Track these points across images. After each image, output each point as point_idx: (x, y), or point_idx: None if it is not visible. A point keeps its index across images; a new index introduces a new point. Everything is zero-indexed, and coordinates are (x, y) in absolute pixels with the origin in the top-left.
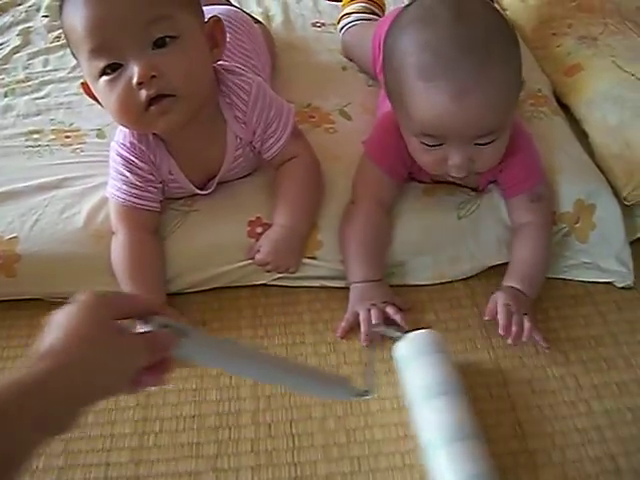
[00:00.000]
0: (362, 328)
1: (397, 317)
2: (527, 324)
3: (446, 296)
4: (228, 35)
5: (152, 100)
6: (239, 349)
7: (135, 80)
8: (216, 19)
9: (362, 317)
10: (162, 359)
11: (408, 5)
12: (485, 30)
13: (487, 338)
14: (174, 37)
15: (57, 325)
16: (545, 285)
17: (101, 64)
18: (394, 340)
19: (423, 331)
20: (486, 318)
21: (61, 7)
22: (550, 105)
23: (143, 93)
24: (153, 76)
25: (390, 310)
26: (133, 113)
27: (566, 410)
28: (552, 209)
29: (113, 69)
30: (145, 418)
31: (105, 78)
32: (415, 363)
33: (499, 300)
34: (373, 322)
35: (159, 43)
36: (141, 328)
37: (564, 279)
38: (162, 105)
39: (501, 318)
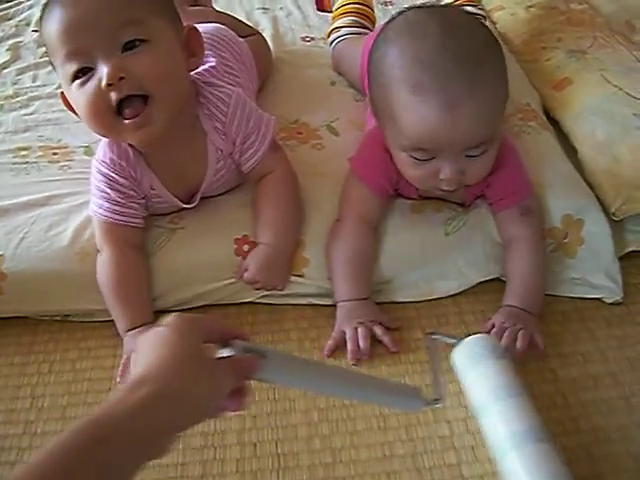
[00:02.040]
0: (349, 347)
1: (385, 338)
2: (520, 342)
3: (434, 313)
4: (211, 53)
5: (124, 103)
6: (317, 368)
7: (104, 82)
8: (191, 27)
9: (349, 335)
10: (242, 384)
11: (391, 20)
12: (474, 43)
13: None
14: (144, 41)
15: (149, 349)
16: None
17: (73, 68)
18: (452, 346)
19: (479, 336)
20: None
21: (41, 18)
22: (539, 119)
23: (113, 95)
24: (122, 78)
25: (378, 330)
26: (105, 117)
27: (554, 428)
28: (542, 222)
29: (84, 73)
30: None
31: (76, 82)
32: (477, 369)
33: (495, 320)
34: (360, 341)
35: (129, 46)
36: (223, 353)
37: (552, 295)
38: (136, 121)
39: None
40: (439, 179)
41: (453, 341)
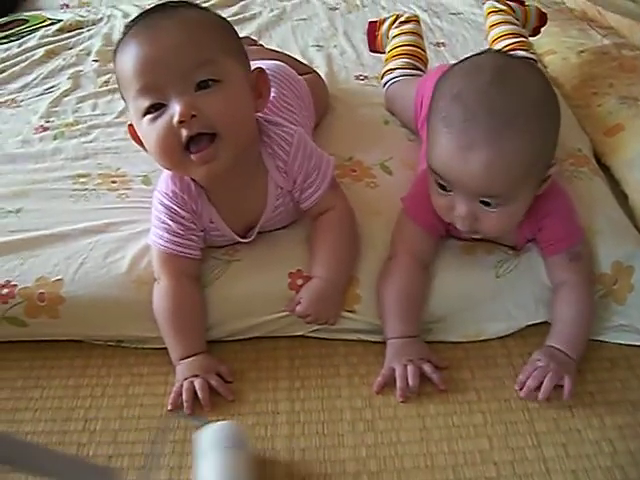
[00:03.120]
0: (398, 384)
1: (434, 376)
2: (547, 383)
3: (482, 354)
4: (273, 89)
5: (192, 139)
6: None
7: (176, 119)
8: (260, 70)
9: (398, 373)
10: None
11: (467, 57)
12: (517, 99)
13: (522, 399)
14: (217, 81)
15: None
16: None
17: (146, 103)
18: (196, 427)
19: (223, 423)
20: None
21: (115, 52)
22: (590, 165)
23: (183, 132)
24: (193, 115)
25: (427, 368)
26: (174, 153)
27: (602, 476)
28: (592, 268)
29: (156, 108)
30: (180, 466)
31: (148, 117)
32: (207, 457)
33: (533, 356)
34: (409, 378)
35: (202, 85)
36: None
37: (600, 341)
38: (202, 155)
39: (522, 372)
40: (454, 215)
41: (197, 423)
